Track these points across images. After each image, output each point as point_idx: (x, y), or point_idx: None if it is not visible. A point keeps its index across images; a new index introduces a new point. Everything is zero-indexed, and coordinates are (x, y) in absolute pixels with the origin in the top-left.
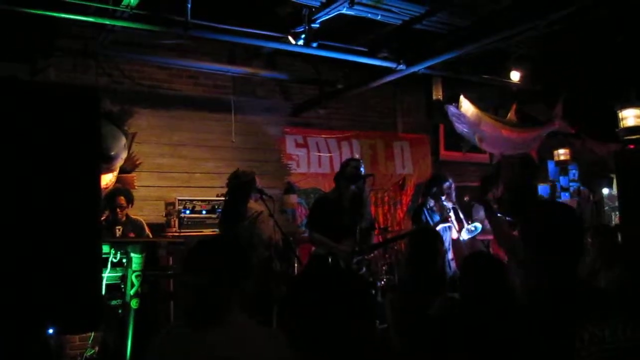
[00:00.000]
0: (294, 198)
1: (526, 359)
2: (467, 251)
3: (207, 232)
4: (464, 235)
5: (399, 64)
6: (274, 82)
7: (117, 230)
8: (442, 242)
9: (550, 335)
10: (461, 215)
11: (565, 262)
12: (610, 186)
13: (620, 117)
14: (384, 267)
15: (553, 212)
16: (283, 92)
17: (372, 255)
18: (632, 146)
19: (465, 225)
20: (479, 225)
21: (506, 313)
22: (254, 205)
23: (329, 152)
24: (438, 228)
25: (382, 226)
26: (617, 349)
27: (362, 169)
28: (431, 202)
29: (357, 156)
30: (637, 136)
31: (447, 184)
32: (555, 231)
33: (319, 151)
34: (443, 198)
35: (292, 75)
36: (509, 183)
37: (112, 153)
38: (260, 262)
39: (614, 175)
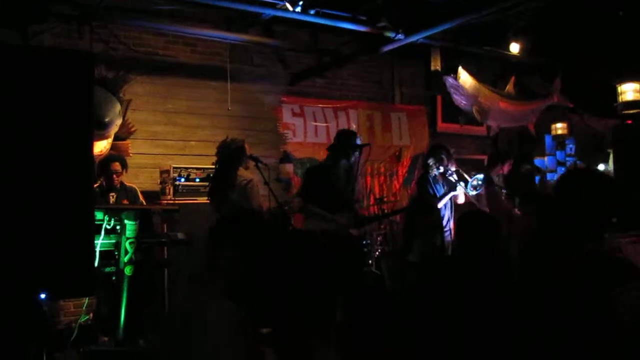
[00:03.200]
0: (289, 167)
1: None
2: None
3: (202, 200)
4: (471, 192)
5: (398, 33)
6: (271, 50)
7: (111, 197)
8: (438, 215)
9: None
10: (465, 175)
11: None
12: (606, 162)
13: (619, 91)
14: (379, 238)
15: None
16: (280, 61)
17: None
18: (629, 121)
19: (470, 181)
20: (480, 175)
21: (494, 271)
22: (245, 173)
23: (326, 122)
24: (443, 201)
25: (377, 197)
26: None
27: (358, 141)
28: (433, 172)
29: (354, 127)
30: (636, 110)
31: (444, 152)
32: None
33: (316, 121)
34: (443, 167)
35: (290, 43)
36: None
37: (107, 120)
38: None
39: (610, 151)
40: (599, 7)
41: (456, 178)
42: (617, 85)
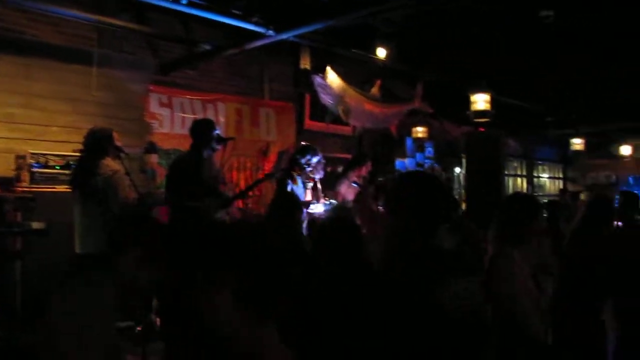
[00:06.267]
0: (154, 158)
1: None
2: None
3: (61, 188)
4: (320, 209)
5: (269, 29)
6: (142, 37)
7: None
8: (301, 210)
9: (419, 295)
10: (319, 189)
11: (432, 226)
12: (460, 165)
13: (471, 100)
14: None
15: (422, 180)
16: (151, 49)
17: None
18: (482, 129)
19: (322, 200)
20: (334, 201)
21: (363, 278)
22: (111, 164)
23: (194, 114)
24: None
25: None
26: (470, 304)
27: (217, 130)
28: (297, 171)
29: (222, 120)
30: (485, 120)
31: (317, 158)
32: (425, 197)
33: (184, 112)
34: (309, 170)
35: (161, 32)
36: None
37: None
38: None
39: (464, 155)
40: (457, 22)
41: (311, 187)
42: (469, 95)
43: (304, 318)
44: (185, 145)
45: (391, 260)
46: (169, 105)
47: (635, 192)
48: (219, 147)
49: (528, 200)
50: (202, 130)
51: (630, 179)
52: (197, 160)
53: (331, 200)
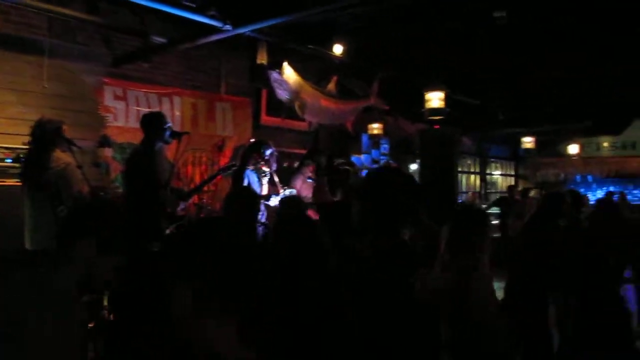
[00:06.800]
0: (108, 152)
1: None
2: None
3: (10, 182)
4: (277, 201)
5: (226, 23)
6: (95, 28)
7: None
8: (259, 204)
9: (391, 285)
10: (276, 181)
11: (402, 222)
12: (416, 162)
13: (426, 98)
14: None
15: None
16: (105, 41)
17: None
18: (437, 126)
19: (281, 191)
20: (294, 190)
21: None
22: (63, 156)
23: (149, 108)
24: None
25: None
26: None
27: (168, 122)
28: (251, 166)
29: (177, 114)
30: (439, 117)
31: (270, 151)
32: (396, 195)
33: (139, 105)
34: (262, 163)
35: (116, 23)
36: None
37: None
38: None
39: (418, 152)
40: (414, 23)
41: (267, 181)
42: (424, 93)
43: (271, 313)
44: (140, 139)
45: (364, 256)
46: (123, 98)
47: (580, 191)
48: (171, 140)
49: (479, 214)
50: (152, 122)
51: (577, 177)
52: (150, 152)
53: (290, 190)
